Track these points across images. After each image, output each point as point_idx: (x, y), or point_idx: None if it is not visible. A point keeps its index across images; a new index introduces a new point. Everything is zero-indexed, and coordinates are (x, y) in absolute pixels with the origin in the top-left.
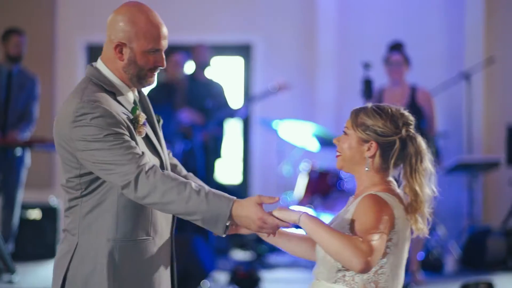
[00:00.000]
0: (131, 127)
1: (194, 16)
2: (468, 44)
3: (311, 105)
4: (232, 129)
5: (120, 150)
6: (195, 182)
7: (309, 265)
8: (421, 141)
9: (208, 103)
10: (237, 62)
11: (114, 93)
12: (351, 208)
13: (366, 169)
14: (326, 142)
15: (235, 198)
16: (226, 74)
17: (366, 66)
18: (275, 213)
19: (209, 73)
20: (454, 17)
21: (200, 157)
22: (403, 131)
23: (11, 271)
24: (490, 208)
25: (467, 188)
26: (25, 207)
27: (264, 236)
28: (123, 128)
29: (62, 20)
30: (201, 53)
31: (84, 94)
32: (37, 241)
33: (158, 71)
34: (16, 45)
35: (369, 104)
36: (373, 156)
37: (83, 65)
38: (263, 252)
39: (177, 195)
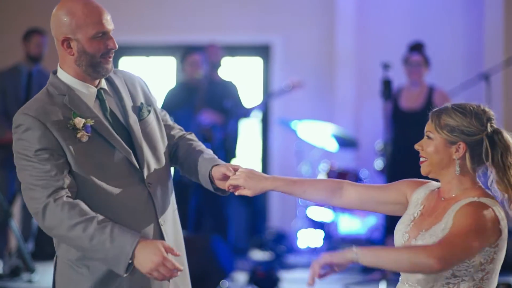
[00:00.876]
0: (71, 134)
1: (212, 17)
2: (487, 45)
3: (330, 105)
4: (251, 129)
5: (36, 172)
6: (206, 153)
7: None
8: (507, 136)
9: (227, 103)
10: (256, 62)
11: (64, 95)
12: (447, 219)
13: (457, 171)
14: (344, 142)
15: (140, 237)
16: (244, 74)
17: (385, 66)
18: (332, 257)
19: (222, 72)
20: (474, 18)
21: (220, 157)
22: (489, 127)
23: (31, 270)
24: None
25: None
26: None
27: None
28: (50, 143)
29: None
30: (214, 53)
31: (26, 105)
32: None
33: (112, 54)
34: (37, 45)
35: (449, 104)
36: (462, 158)
37: None
38: (282, 252)
39: (82, 232)
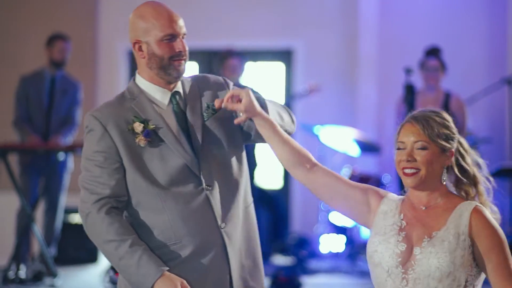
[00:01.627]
0: (131, 138)
1: (235, 22)
2: (510, 49)
3: (352, 110)
4: None
5: (89, 175)
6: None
7: (350, 270)
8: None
9: None
10: (278, 67)
11: (134, 99)
12: (456, 222)
13: (443, 180)
14: (367, 147)
15: (165, 270)
16: (267, 79)
17: (408, 71)
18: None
19: (242, 78)
20: (497, 22)
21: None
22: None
23: (53, 275)
24: None
25: (509, 194)
26: (68, 211)
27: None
28: (107, 147)
29: (104, 25)
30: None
31: (97, 107)
32: (79, 245)
33: (183, 57)
34: (60, 51)
35: (427, 112)
36: (448, 165)
37: (125, 70)
38: (304, 257)
39: (114, 250)
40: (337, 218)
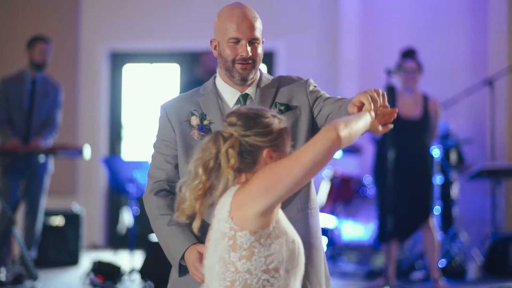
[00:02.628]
0: (188, 130)
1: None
2: (491, 51)
3: None
4: None
5: (153, 161)
6: None
7: (331, 271)
8: None
9: None
10: (261, 69)
11: (203, 94)
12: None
13: None
14: (347, 149)
15: (193, 243)
16: None
17: (389, 72)
18: None
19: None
20: (478, 24)
21: None
22: None
23: (34, 277)
24: None
25: (490, 195)
26: (48, 213)
27: None
28: (168, 136)
29: (85, 27)
30: (210, 61)
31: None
32: (59, 248)
33: (246, 62)
34: (41, 53)
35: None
36: None
37: (107, 72)
38: None
39: (157, 225)
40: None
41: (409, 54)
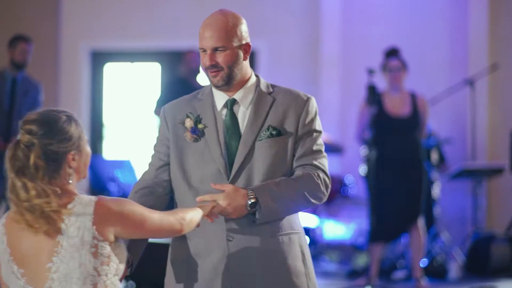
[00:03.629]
0: (182, 132)
1: (197, 23)
2: (472, 51)
3: None
4: None
5: (150, 160)
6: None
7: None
8: None
9: None
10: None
11: (201, 99)
12: None
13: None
14: (329, 148)
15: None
16: None
17: (371, 72)
18: None
19: (201, 79)
20: (458, 24)
21: None
22: None
23: None
24: (494, 214)
25: (472, 194)
26: None
27: None
28: (163, 135)
29: (66, 26)
30: (193, 59)
31: None
32: None
33: (213, 70)
34: (21, 52)
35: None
36: None
37: (88, 71)
38: None
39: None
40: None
41: (392, 53)
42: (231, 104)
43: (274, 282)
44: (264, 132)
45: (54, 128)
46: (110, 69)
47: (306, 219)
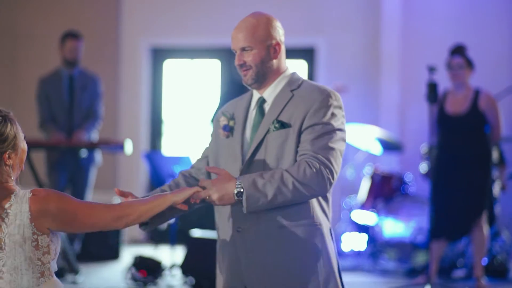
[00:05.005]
0: (218, 127)
1: None
2: None
3: (374, 108)
4: None
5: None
6: None
7: (372, 269)
8: None
9: None
10: (301, 65)
11: (243, 98)
12: None
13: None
14: (389, 146)
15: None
16: None
17: (431, 69)
18: None
19: None
20: None
21: None
22: None
23: (75, 271)
24: None
25: None
26: None
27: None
28: (212, 134)
29: (126, 22)
30: None
31: None
32: (101, 242)
33: (243, 69)
34: (71, 50)
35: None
36: None
37: (148, 67)
38: None
39: None
40: (360, 217)
41: (456, 50)
42: (261, 102)
43: (280, 277)
44: (272, 126)
45: None
46: (170, 66)
47: (365, 216)
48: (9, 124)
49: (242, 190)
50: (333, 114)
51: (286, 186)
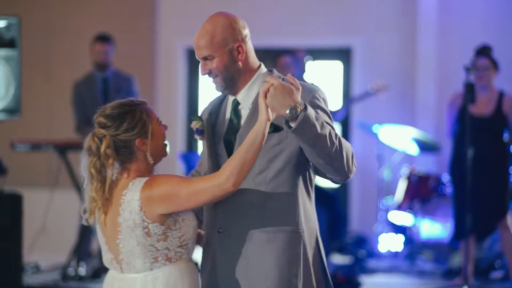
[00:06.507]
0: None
1: (293, 20)
2: None
3: (411, 108)
4: None
5: None
6: None
7: (408, 270)
8: None
9: None
10: (336, 66)
11: (222, 100)
12: None
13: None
14: (426, 146)
15: None
16: (325, 78)
17: (468, 69)
18: None
19: (307, 77)
20: None
21: None
22: None
23: None
24: None
25: None
26: None
27: None
28: None
29: (163, 24)
30: (301, 58)
31: None
32: None
33: (211, 77)
34: (99, 53)
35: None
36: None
37: (184, 68)
38: (362, 256)
39: None
40: (396, 218)
41: (481, 51)
42: (235, 105)
43: (253, 282)
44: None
45: (119, 120)
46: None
47: (402, 217)
48: (138, 111)
49: (299, 110)
50: (320, 109)
51: (336, 137)
